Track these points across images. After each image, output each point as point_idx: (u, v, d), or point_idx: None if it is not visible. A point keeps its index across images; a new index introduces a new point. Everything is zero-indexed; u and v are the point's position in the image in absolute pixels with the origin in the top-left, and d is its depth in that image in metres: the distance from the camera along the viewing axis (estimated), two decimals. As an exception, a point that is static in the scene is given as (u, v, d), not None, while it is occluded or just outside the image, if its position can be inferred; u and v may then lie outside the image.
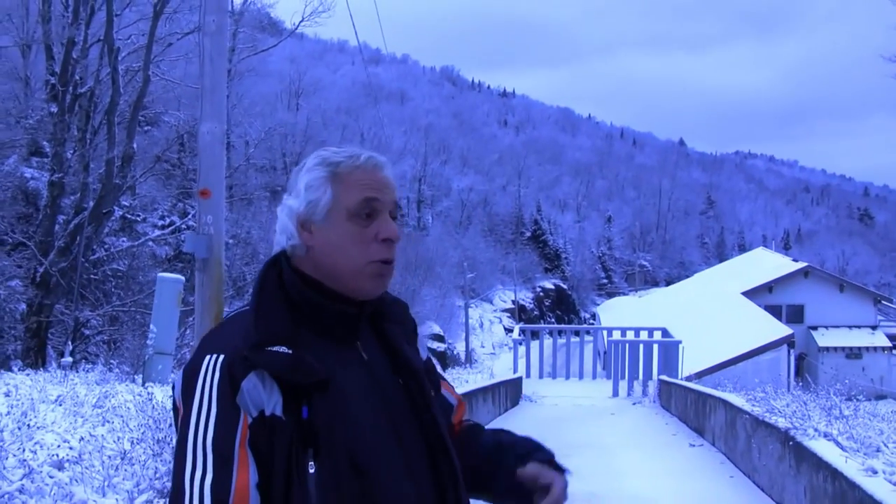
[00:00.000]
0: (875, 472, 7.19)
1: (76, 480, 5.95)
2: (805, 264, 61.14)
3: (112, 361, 18.90)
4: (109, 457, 6.43)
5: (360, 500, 1.98)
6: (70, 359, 17.59)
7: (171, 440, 6.48)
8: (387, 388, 2.16)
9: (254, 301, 2.09)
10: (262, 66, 57.41)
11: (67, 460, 6.46)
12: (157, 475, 5.94)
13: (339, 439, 1.98)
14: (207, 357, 1.99)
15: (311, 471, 1.93)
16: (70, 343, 22.66)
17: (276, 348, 1.98)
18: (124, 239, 32.24)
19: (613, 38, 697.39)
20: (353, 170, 2.15)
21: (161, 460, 6.14)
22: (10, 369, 17.04)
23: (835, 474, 7.78)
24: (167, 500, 5.43)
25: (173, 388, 2.08)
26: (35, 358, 22.39)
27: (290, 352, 1.98)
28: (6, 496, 5.64)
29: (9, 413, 8.41)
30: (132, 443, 6.73)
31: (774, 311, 50.70)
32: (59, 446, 6.96)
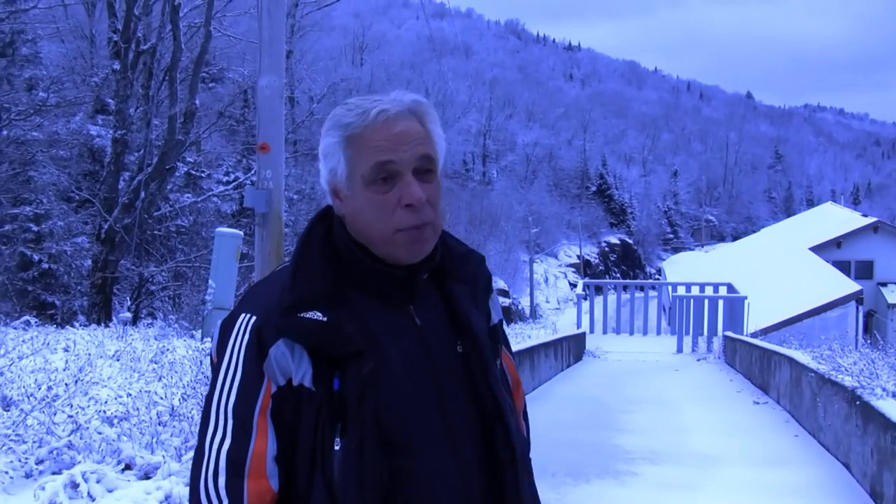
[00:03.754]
0: (944, 433, 6.98)
1: (125, 436, 5.94)
2: (874, 219, 60.05)
3: (171, 317, 19.07)
4: (159, 413, 6.42)
5: (392, 480, 1.85)
6: (129, 314, 17.75)
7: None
8: (441, 355, 2.00)
9: (293, 258, 1.96)
10: (326, 21, 57.47)
11: (117, 416, 6.46)
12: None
13: (371, 414, 1.84)
14: (242, 315, 1.91)
15: (337, 447, 1.82)
16: (130, 299, 22.88)
17: (309, 314, 1.85)
18: (189, 195, 32.46)
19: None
20: (363, 130, 1.92)
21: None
22: (73, 325, 17.25)
23: (903, 435, 7.58)
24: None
25: (213, 339, 1.99)
26: (100, 313, 22.65)
27: (325, 319, 1.85)
28: (54, 451, 5.63)
29: (66, 368, 8.45)
30: (182, 399, 6.71)
31: (843, 266, 49.94)
32: (112, 400, 6.97)
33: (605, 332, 34.45)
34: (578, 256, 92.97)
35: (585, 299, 35.83)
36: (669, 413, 14.65)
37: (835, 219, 61.84)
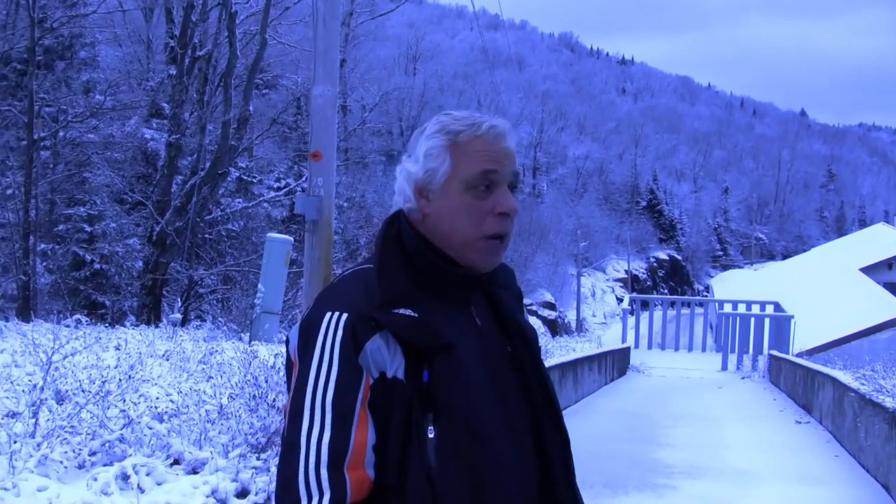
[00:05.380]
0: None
1: (174, 432, 6.11)
2: (928, 240, 59.55)
3: (220, 319, 19.28)
4: (207, 411, 6.59)
5: (476, 466, 1.97)
6: (179, 315, 17.98)
7: (268, 397, 6.60)
8: (497, 354, 2.13)
9: (377, 260, 2.07)
10: (380, 31, 57.73)
11: (167, 413, 6.64)
12: (252, 430, 6.07)
13: (459, 404, 1.97)
14: (329, 314, 1.98)
15: (431, 435, 1.93)
16: (180, 300, 23.16)
17: (401, 310, 1.97)
18: (240, 200, 32.73)
19: (736, 3, 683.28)
20: (473, 139, 2.08)
21: (256, 416, 6.27)
22: (123, 325, 17.52)
23: (940, 457, 7.61)
24: (273, 452, 5.48)
25: (287, 342, 2.09)
26: (149, 314, 22.95)
27: (416, 315, 1.98)
28: (107, 444, 5.82)
29: (117, 366, 8.65)
30: (230, 398, 6.88)
31: (893, 288, 49.53)
32: (162, 398, 7.16)
33: (650, 347, 34.37)
34: (626, 271, 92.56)
35: (632, 314, 35.79)
36: (711, 429, 14.66)
37: (887, 240, 61.25)
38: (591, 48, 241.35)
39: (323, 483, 1.85)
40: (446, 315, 2.05)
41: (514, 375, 2.14)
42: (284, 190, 34.38)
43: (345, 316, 1.96)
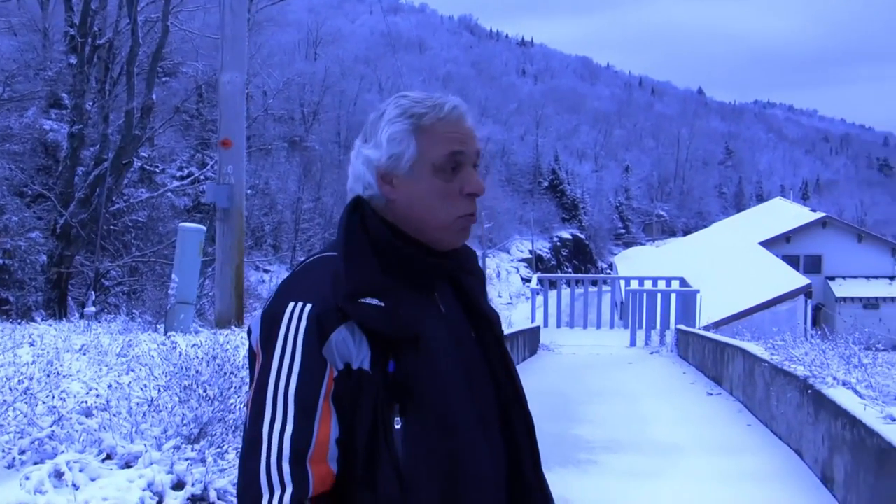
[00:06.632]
0: (894, 420, 7.24)
1: (104, 427, 6.05)
2: (823, 214, 60.89)
3: (134, 311, 19.06)
4: (137, 404, 6.53)
5: (445, 455, 1.97)
6: (93, 308, 17.73)
7: (197, 388, 6.57)
8: (463, 341, 2.13)
9: (343, 248, 2.05)
10: (280, 16, 57.29)
11: (96, 407, 6.57)
12: (184, 422, 6.03)
13: (427, 394, 1.97)
14: (292, 304, 1.97)
15: (398, 426, 1.93)
16: (93, 293, 22.84)
17: (368, 300, 1.96)
18: (143, 190, 32.37)
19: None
20: (437, 122, 2.10)
21: (188, 407, 6.23)
22: (32, 320, 17.21)
23: (853, 422, 7.83)
24: (207, 443, 5.44)
25: (249, 333, 2.07)
26: (56, 309, 22.60)
27: (383, 304, 1.97)
28: (36, 442, 5.74)
29: (34, 362, 8.52)
30: (158, 390, 6.82)
31: (792, 261, 50.64)
32: (86, 394, 7.07)
33: (558, 326, 34.61)
34: (531, 251, 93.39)
35: (539, 294, 36.05)
36: (626, 404, 14.89)
37: (784, 214, 62.59)
38: (491, 30, 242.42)
39: (285, 477, 1.86)
40: (413, 303, 2.05)
41: (481, 362, 2.15)
42: (188, 179, 34.08)
43: (309, 306, 1.95)
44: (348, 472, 1.93)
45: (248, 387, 2.08)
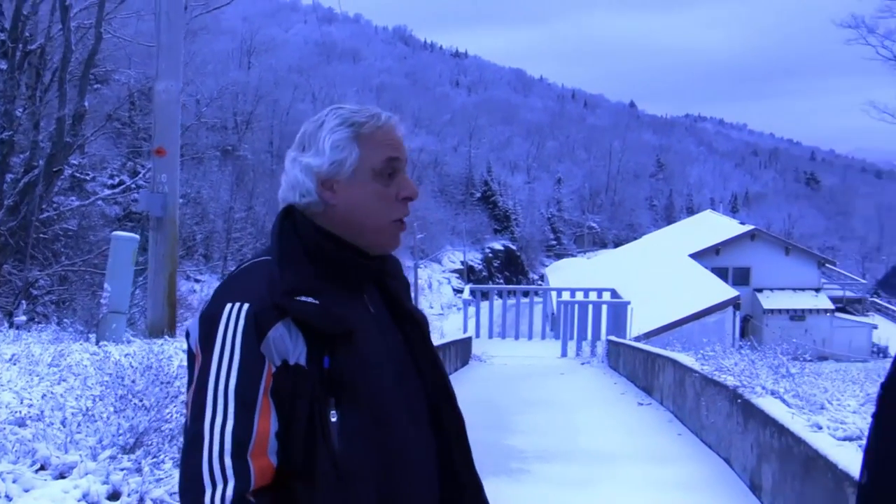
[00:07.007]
0: (820, 428, 7.40)
1: (38, 437, 6.00)
2: (752, 227, 61.76)
3: (65, 321, 18.83)
4: (72, 414, 6.49)
5: (380, 449, 2.06)
6: (23, 318, 17.49)
7: (133, 397, 6.54)
8: (391, 340, 2.23)
9: (277, 252, 2.13)
10: (214, 25, 56.94)
11: (29, 417, 6.52)
12: (120, 431, 6.00)
13: (361, 389, 2.05)
14: (229, 305, 2.03)
15: (334, 419, 2.00)
16: (23, 302, 22.52)
17: (303, 298, 2.04)
18: (74, 198, 32.00)
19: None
20: (376, 130, 2.21)
21: (124, 417, 6.20)
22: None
23: (781, 430, 7.99)
24: (143, 452, 5.43)
25: (188, 335, 2.12)
26: (-18, 318, 22.24)
27: (318, 302, 2.05)
28: (-32, 452, 5.69)
29: (-37, 372, 8.42)
30: (93, 400, 6.78)
31: (721, 273, 51.29)
32: (19, 404, 7.01)
33: (490, 336, 34.66)
34: (462, 262, 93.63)
35: (471, 304, 36.14)
36: (558, 414, 15.00)
37: (714, 226, 63.35)
38: (426, 41, 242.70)
39: (227, 471, 1.91)
40: (345, 303, 2.13)
41: (409, 360, 2.25)
42: (120, 188, 33.74)
43: (246, 306, 2.02)
44: (287, 465, 1.99)
45: (187, 389, 2.12)
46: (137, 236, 14.68)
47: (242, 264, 2.22)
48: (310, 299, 2.04)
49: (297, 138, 2.27)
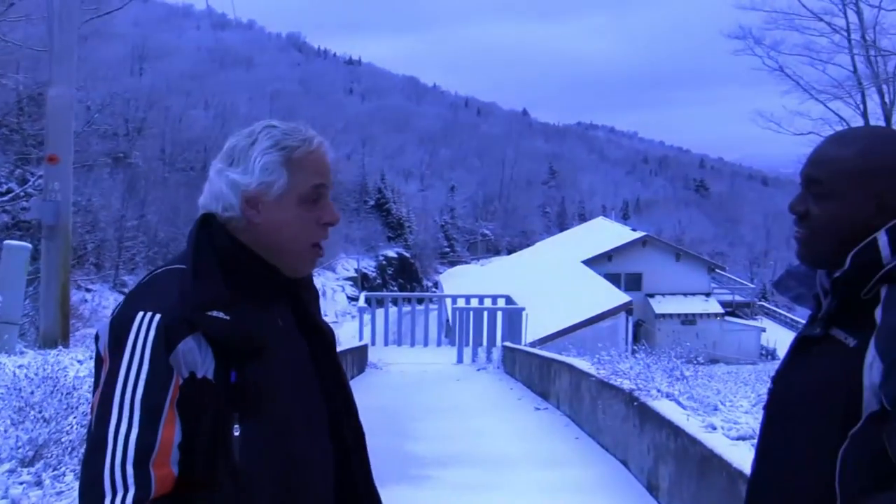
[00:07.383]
0: (714, 429, 7.58)
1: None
2: (643, 234, 62.63)
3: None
4: (-33, 426, 6.37)
5: (282, 462, 2.10)
6: None
7: (31, 409, 6.45)
8: (297, 353, 2.27)
9: (191, 262, 2.14)
10: (106, 29, 55.98)
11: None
12: (19, 444, 5.90)
13: (265, 403, 2.08)
14: (141, 313, 2.04)
15: (236, 434, 2.04)
16: None
17: (214, 313, 2.05)
18: (-41, 206, 31.22)
19: (465, 4, 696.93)
20: (307, 155, 2.25)
21: (22, 429, 6.10)
22: None
23: (677, 431, 8.15)
24: (42, 465, 5.36)
25: (97, 339, 2.12)
26: None
27: (228, 318, 2.06)
28: None
29: None
30: (-13, 409, 6.66)
31: (614, 279, 51.82)
32: None
33: (386, 344, 34.59)
34: (356, 270, 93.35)
35: (366, 312, 36.09)
36: (456, 420, 15.04)
37: (606, 233, 64.19)
38: (319, 48, 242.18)
39: (128, 479, 1.91)
40: (256, 317, 2.16)
41: (314, 374, 2.30)
42: (8, 196, 33.01)
43: (157, 317, 2.03)
44: (188, 475, 2.00)
45: (93, 392, 2.12)
46: (30, 245, 14.41)
47: (156, 270, 2.22)
48: (221, 314, 2.06)
49: (226, 150, 2.28)
